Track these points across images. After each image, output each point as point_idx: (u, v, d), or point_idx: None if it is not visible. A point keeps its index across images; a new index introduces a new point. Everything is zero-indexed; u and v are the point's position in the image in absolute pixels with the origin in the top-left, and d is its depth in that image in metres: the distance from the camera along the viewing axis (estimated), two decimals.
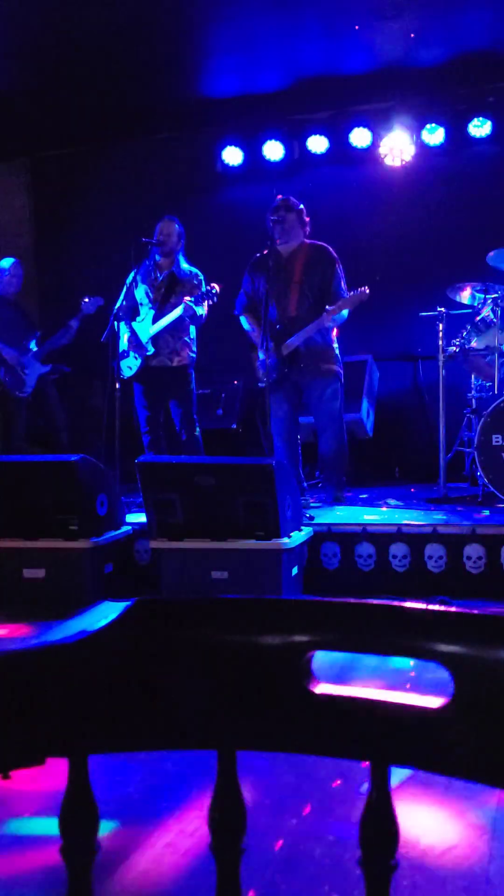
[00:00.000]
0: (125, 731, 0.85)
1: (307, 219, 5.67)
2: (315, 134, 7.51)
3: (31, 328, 6.78)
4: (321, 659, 0.81)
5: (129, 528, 5.02)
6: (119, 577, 4.93)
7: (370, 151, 7.40)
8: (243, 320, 5.80)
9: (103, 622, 0.83)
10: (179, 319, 5.74)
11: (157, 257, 5.91)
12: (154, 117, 7.73)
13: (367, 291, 5.38)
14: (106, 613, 0.82)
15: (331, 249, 5.63)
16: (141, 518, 4.89)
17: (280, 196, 5.83)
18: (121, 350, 5.91)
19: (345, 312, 5.49)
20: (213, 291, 5.73)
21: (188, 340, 5.91)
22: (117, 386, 5.72)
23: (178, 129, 7.94)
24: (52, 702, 0.83)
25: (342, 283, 5.56)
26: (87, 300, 6.35)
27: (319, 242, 5.67)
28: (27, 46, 6.43)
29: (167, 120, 7.79)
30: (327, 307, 5.39)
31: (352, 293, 5.42)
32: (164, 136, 8.02)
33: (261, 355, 5.53)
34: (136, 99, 7.35)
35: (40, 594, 4.63)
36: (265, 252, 5.59)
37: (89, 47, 6.42)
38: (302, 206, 5.67)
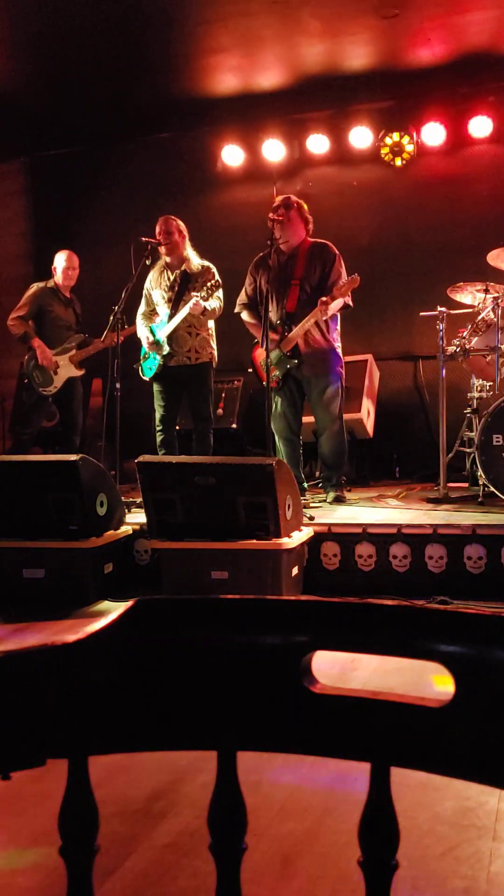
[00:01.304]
0: (125, 731, 0.84)
1: (309, 217, 5.66)
2: (315, 134, 7.51)
3: (78, 329, 6.68)
4: (321, 659, 0.81)
5: (129, 528, 5.02)
6: (119, 577, 4.93)
7: (370, 151, 7.41)
8: (244, 316, 5.82)
9: (103, 622, 0.83)
10: (195, 316, 5.71)
11: (167, 259, 5.90)
12: (154, 117, 7.73)
13: (358, 278, 5.38)
14: (106, 613, 0.82)
15: (332, 246, 5.64)
16: (141, 518, 4.89)
17: (280, 195, 5.83)
18: (142, 353, 5.92)
19: (338, 302, 5.47)
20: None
21: (207, 336, 5.88)
22: (117, 386, 5.72)
23: (178, 129, 7.94)
24: (52, 702, 0.83)
25: (341, 278, 5.56)
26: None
27: (321, 240, 5.67)
28: (26, 46, 6.44)
29: (167, 120, 7.79)
30: (322, 298, 5.40)
31: (342, 281, 5.43)
32: (164, 136, 8.03)
33: (263, 353, 5.55)
34: (135, 99, 7.35)
35: (40, 594, 4.63)
36: (269, 252, 5.59)
37: (88, 47, 6.42)
38: (303, 204, 5.66)
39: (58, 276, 6.61)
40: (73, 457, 4.66)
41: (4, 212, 8.49)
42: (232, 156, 7.77)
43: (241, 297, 5.83)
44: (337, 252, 5.62)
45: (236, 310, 5.85)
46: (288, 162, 7.68)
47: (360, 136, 7.39)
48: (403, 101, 7.31)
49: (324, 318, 5.52)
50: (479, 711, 0.74)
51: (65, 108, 7.50)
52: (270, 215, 5.54)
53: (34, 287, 6.62)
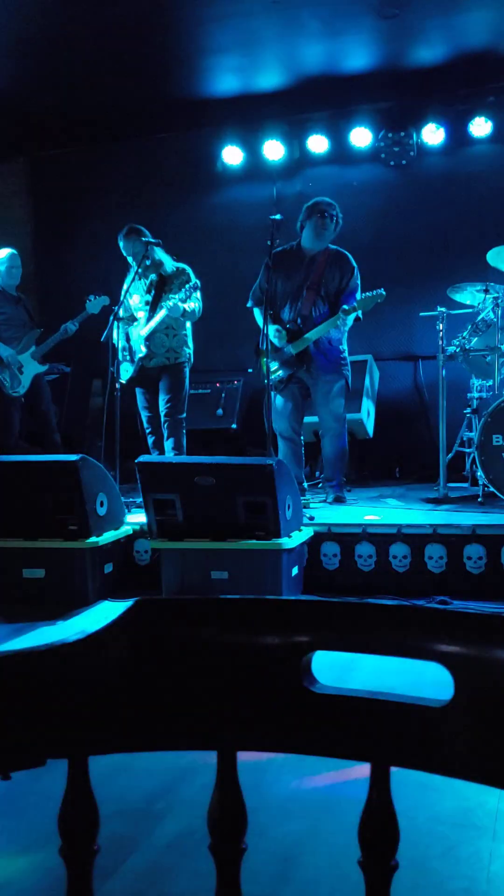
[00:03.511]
0: (125, 731, 0.84)
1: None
2: (315, 134, 7.51)
3: (32, 325, 6.74)
4: (321, 659, 0.81)
5: (129, 528, 5.02)
6: (119, 577, 4.93)
7: (370, 151, 7.41)
8: (256, 312, 5.80)
9: (103, 622, 0.83)
10: (173, 318, 5.75)
11: (140, 269, 5.93)
12: (154, 117, 7.72)
13: (384, 294, 5.45)
14: (106, 613, 0.82)
15: (351, 257, 5.69)
16: (141, 518, 4.89)
17: (280, 195, 5.83)
18: (120, 356, 5.95)
19: (351, 317, 5.50)
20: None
21: (184, 337, 5.93)
22: (117, 386, 5.73)
23: (178, 129, 7.94)
24: (52, 702, 0.83)
25: (358, 290, 5.61)
26: (91, 299, 6.24)
27: (342, 249, 5.71)
28: (27, 46, 6.43)
29: (167, 120, 7.79)
30: (344, 306, 5.43)
31: (367, 294, 5.46)
32: (165, 136, 8.02)
33: (262, 360, 5.56)
34: (135, 99, 7.35)
35: (40, 594, 4.62)
36: (287, 248, 5.62)
37: (89, 47, 6.42)
38: (340, 219, 5.69)
39: (1, 277, 6.64)
40: (73, 457, 4.66)
41: (4, 212, 8.49)
42: (232, 156, 7.76)
43: (256, 292, 5.79)
44: (356, 265, 5.67)
45: (249, 304, 5.84)
46: (288, 162, 7.67)
47: (360, 136, 7.38)
48: (403, 101, 7.30)
49: (344, 329, 5.54)
50: (479, 711, 0.74)
51: (65, 108, 7.50)
52: (311, 210, 5.55)
53: None
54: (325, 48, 6.66)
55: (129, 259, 5.93)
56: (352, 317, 5.52)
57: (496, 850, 2.09)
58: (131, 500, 5.50)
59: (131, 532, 5.02)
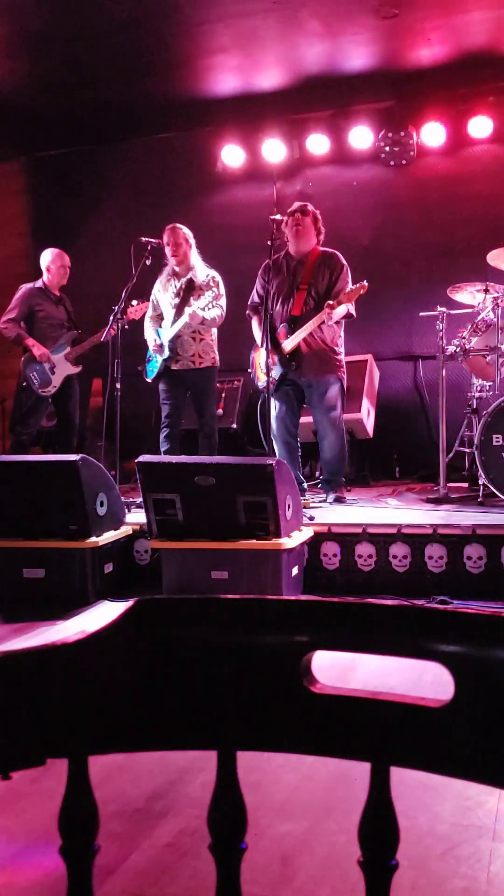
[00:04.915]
0: (125, 731, 0.84)
1: (322, 228, 5.73)
2: (315, 134, 7.52)
3: (69, 326, 6.69)
4: (321, 659, 0.81)
5: (129, 528, 5.02)
6: (119, 577, 4.93)
7: (370, 151, 7.41)
8: (253, 321, 5.84)
9: (103, 622, 0.83)
10: (199, 323, 5.78)
11: (176, 268, 5.94)
12: (154, 117, 7.73)
13: (366, 285, 5.41)
14: (106, 613, 0.82)
15: (340, 256, 5.70)
16: (141, 518, 4.89)
17: (280, 195, 5.85)
18: (148, 355, 6.04)
19: (342, 308, 5.49)
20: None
21: (211, 342, 5.98)
22: (118, 386, 5.73)
23: (178, 129, 7.94)
24: (52, 702, 0.83)
25: (347, 286, 5.59)
26: (133, 304, 6.09)
27: (330, 249, 5.72)
28: (27, 46, 6.43)
29: (167, 120, 7.79)
30: (329, 301, 5.43)
31: (350, 288, 5.45)
32: (164, 135, 8.02)
33: (260, 355, 5.57)
34: (135, 99, 7.35)
35: (40, 594, 4.63)
36: (279, 256, 5.67)
37: (88, 47, 6.42)
38: (318, 214, 5.72)
39: (46, 276, 6.63)
40: (73, 457, 4.66)
41: (4, 212, 8.49)
42: (232, 156, 7.77)
43: (252, 300, 5.89)
44: (345, 263, 5.67)
45: (247, 311, 5.89)
46: (288, 162, 7.67)
47: (360, 136, 7.39)
48: (403, 101, 7.30)
49: (330, 323, 5.54)
50: (479, 711, 0.74)
51: (65, 108, 7.50)
52: (286, 217, 5.57)
53: (23, 288, 6.62)
54: (325, 48, 6.66)
55: (167, 251, 5.93)
56: (341, 311, 5.52)
57: (496, 850, 2.09)
58: (131, 500, 5.51)
59: (131, 532, 5.02)
